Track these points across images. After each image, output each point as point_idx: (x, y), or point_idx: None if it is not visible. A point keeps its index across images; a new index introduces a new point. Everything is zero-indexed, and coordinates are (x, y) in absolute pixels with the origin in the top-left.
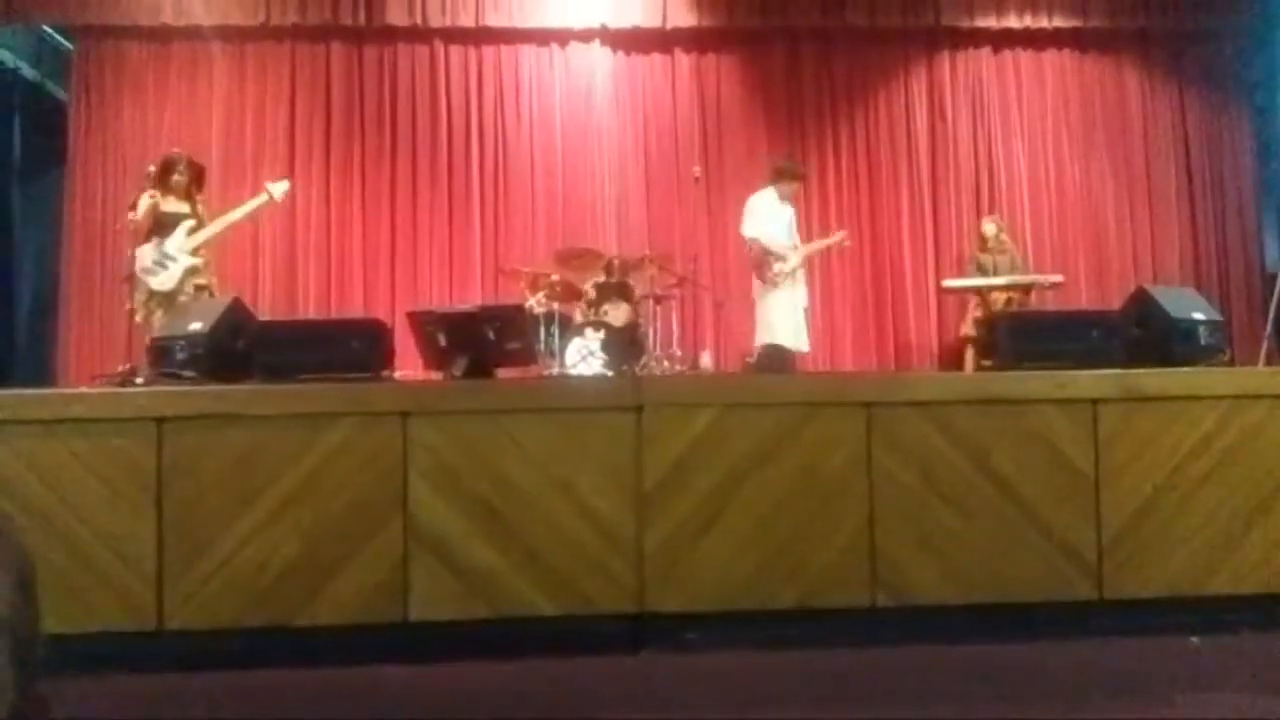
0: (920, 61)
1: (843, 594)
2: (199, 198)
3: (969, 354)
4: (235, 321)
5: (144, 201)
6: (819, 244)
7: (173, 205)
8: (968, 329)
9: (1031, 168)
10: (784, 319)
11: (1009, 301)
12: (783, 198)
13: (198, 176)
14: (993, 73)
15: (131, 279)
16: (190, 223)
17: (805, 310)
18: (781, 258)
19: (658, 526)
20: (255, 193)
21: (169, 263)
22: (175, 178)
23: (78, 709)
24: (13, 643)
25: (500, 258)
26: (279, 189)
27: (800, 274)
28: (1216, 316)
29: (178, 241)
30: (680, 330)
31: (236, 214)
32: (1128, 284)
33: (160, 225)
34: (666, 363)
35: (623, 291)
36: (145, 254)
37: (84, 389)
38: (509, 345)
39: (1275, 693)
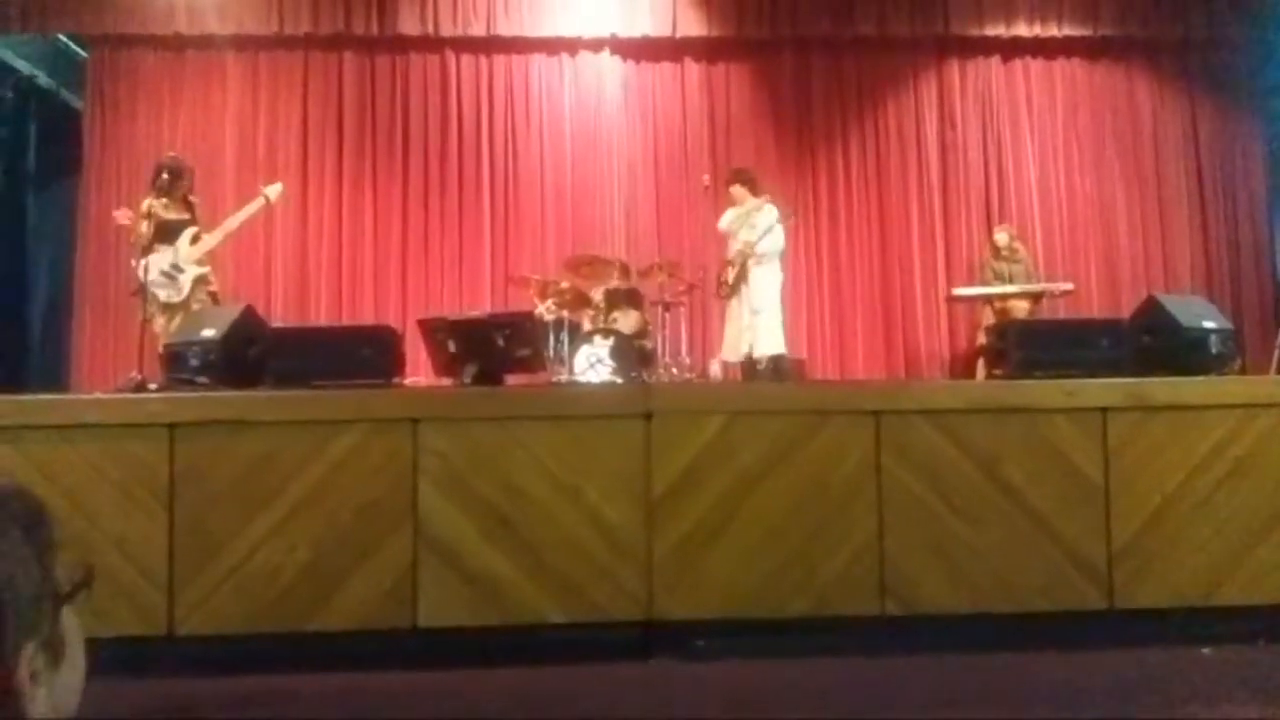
0: (930, 70)
1: (852, 602)
2: (192, 200)
3: (981, 364)
4: (247, 328)
5: (152, 210)
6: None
7: (174, 212)
8: (982, 339)
9: (1041, 176)
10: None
11: (1031, 311)
12: (737, 204)
13: (191, 180)
14: (1002, 81)
15: (142, 291)
16: (192, 230)
17: (758, 313)
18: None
19: (667, 534)
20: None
21: (178, 274)
22: (181, 183)
23: (88, 714)
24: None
25: (510, 265)
26: (273, 191)
27: (754, 278)
28: (1227, 325)
29: (184, 251)
30: (689, 338)
31: (235, 220)
32: (1138, 292)
33: (164, 233)
34: (675, 370)
35: (632, 299)
36: (154, 265)
37: (98, 394)
38: (518, 352)
39: None
